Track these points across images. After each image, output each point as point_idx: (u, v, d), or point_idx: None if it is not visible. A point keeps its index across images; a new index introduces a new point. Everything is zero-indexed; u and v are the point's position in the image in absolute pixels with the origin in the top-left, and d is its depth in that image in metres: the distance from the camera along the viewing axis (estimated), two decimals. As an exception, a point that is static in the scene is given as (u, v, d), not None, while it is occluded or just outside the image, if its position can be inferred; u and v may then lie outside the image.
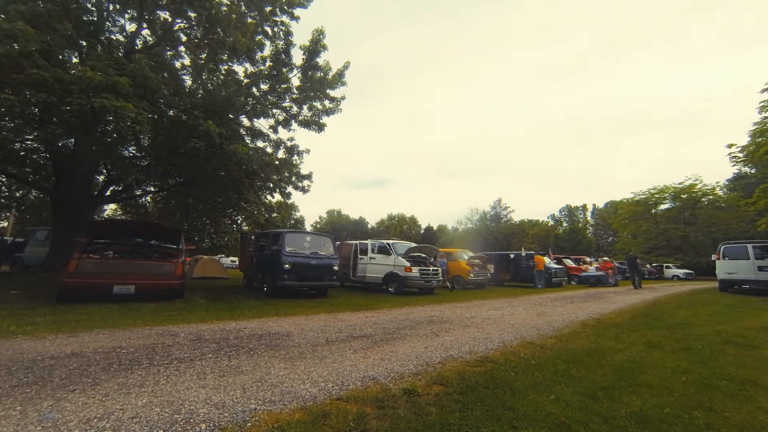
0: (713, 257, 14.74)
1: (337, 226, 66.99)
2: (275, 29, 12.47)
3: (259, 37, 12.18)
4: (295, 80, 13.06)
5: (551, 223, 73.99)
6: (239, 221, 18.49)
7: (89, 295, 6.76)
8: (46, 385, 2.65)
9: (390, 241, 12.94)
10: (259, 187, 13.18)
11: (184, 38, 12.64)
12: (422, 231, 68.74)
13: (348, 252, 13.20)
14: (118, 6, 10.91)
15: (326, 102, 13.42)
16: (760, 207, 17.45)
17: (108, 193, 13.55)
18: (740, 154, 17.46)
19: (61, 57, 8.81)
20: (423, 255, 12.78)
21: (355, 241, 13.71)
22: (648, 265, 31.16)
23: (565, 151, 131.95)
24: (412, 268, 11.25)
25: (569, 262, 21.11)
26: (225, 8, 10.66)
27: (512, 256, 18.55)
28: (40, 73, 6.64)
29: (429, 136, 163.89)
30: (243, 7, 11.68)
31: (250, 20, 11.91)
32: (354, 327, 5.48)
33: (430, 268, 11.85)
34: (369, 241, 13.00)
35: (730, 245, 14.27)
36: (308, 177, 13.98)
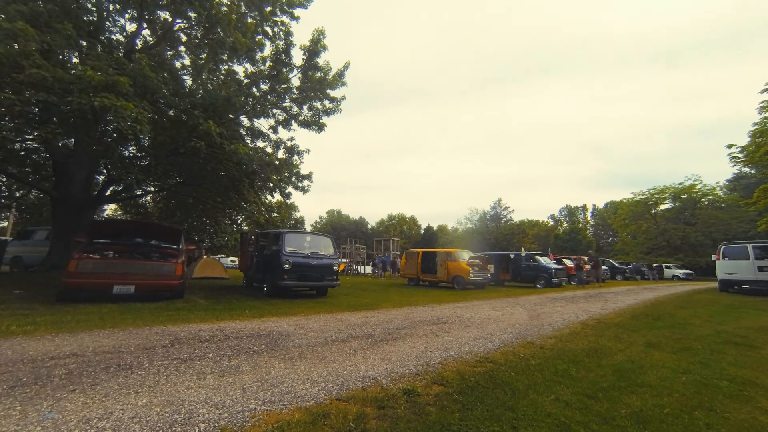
0: (713, 257, 14.75)
1: (337, 226, 66.97)
2: (275, 29, 12.46)
3: (259, 37, 12.16)
4: (295, 80, 13.06)
5: (551, 223, 74.07)
6: (239, 221, 18.51)
7: (89, 295, 6.76)
8: (46, 385, 2.65)
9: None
10: (259, 187, 13.17)
11: (184, 38, 12.64)
12: (422, 231, 68.74)
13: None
14: (118, 6, 10.91)
15: (326, 102, 13.42)
16: (760, 207, 17.46)
17: (108, 193, 13.55)
18: (740, 155, 17.45)
19: (61, 57, 8.81)
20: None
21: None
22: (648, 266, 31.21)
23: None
24: None
25: (569, 263, 21.09)
26: (225, 8, 10.65)
27: (512, 256, 18.54)
28: (40, 72, 6.63)
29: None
30: (243, 7, 11.67)
31: (250, 20, 11.89)
32: (354, 327, 5.48)
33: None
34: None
35: (730, 245, 14.27)
36: (308, 177, 13.97)
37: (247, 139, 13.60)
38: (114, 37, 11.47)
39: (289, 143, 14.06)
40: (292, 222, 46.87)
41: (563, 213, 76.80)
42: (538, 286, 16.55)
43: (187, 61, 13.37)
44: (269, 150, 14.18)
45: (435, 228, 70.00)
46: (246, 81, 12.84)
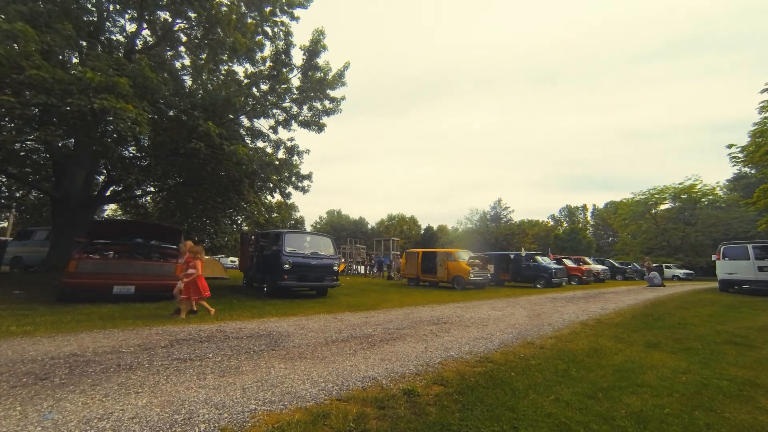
0: (713, 257, 14.74)
1: (337, 227, 66.95)
2: (275, 29, 12.45)
3: (259, 37, 12.16)
4: (295, 80, 13.06)
5: (551, 223, 74.03)
6: (239, 221, 18.49)
7: (89, 295, 6.76)
8: (46, 385, 2.66)
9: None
10: (259, 188, 13.17)
11: (184, 38, 12.63)
12: (422, 231, 68.73)
13: None
14: (118, 6, 10.91)
15: (326, 102, 13.41)
16: (760, 207, 17.44)
17: (108, 193, 13.55)
18: (740, 155, 17.44)
19: (61, 57, 8.81)
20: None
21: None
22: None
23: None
24: None
25: (569, 263, 21.10)
26: (225, 8, 10.66)
27: (512, 256, 18.54)
28: (40, 73, 6.63)
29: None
30: (243, 8, 11.67)
31: (250, 20, 11.89)
32: (354, 327, 5.48)
33: None
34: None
35: (730, 245, 14.26)
36: (308, 177, 13.96)
37: (247, 140, 13.60)
38: (114, 38, 11.47)
39: (289, 143, 14.06)
40: (292, 222, 46.87)
41: (563, 213, 76.82)
42: (538, 286, 16.55)
43: (187, 62, 13.37)
44: (269, 150, 14.17)
45: (435, 228, 69.97)
46: (246, 81, 12.83)
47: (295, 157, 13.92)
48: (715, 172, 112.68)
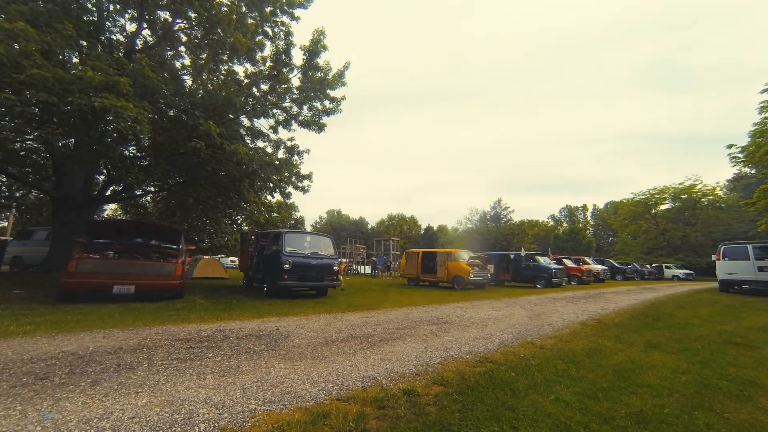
0: (713, 257, 14.74)
1: (337, 226, 66.98)
2: (275, 30, 12.46)
3: (259, 37, 12.16)
4: (296, 80, 13.06)
5: (551, 223, 74.05)
6: (239, 221, 18.50)
7: (89, 295, 6.76)
8: (46, 385, 2.66)
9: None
10: (259, 187, 13.16)
11: (184, 38, 12.64)
12: (422, 231, 68.75)
13: None
14: (118, 6, 10.91)
15: (326, 102, 13.41)
16: (760, 207, 17.46)
17: (108, 193, 13.55)
18: (740, 155, 17.44)
19: (61, 57, 8.81)
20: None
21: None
22: (648, 266, 31.22)
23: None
24: None
25: (569, 263, 21.09)
26: (225, 8, 10.66)
27: (512, 256, 18.54)
28: (41, 73, 6.63)
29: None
30: (243, 8, 11.68)
31: (250, 21, 11.90)
32: (354, 327, 5.48)
33: None
34: None
35: (730, 245, 14.26)
36: (308, 177, 13.97)
37: (247, 139, 13.60)
38: (114, 37, 11.47)
39: (289, 143, 14.06)
40: (292, 222, 46.82)
41: (563, 213, 76.86)
42: (538, 286, 16.55)
43: (187, 61, 13.37)
44: (269, 150, 14.18)
45: (435, 228, 69.97)
46: (246, 81, 12.84)
47: (295, 157, 13.92)
48: (715, 172, 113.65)
